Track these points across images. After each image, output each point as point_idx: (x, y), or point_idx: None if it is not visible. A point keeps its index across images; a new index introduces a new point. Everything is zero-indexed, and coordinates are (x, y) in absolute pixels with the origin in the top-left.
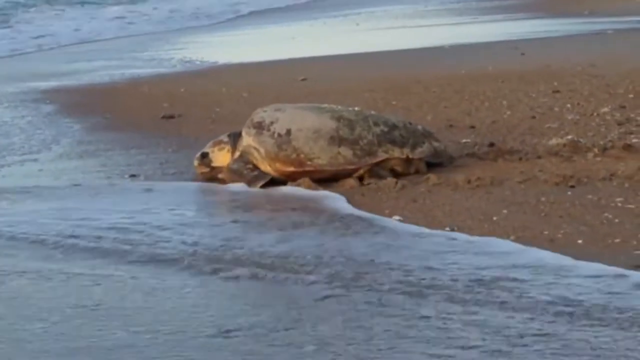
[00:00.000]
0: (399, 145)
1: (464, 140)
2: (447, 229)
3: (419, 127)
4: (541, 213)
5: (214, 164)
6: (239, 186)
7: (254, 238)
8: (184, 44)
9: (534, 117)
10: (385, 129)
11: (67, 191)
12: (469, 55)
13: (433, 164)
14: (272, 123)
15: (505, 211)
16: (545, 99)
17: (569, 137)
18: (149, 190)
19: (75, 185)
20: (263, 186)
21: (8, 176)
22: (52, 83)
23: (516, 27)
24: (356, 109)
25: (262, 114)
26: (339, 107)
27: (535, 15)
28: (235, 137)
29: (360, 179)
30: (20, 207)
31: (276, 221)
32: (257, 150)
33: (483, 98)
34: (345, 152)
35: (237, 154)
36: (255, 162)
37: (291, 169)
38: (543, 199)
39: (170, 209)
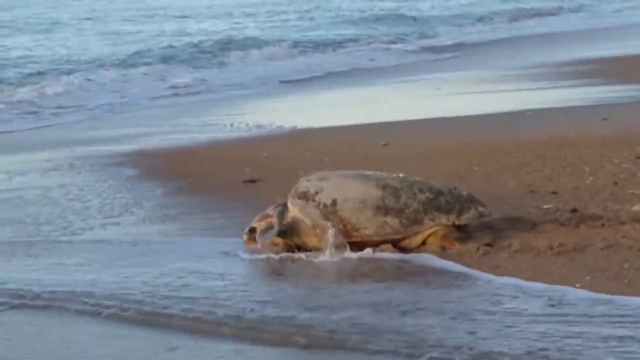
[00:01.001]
0: (445, 212)
1: (545, 206)
2: None
3: (464, 192)
4: (624, 279)
5: None
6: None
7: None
8: (250, 108)
9: (616, 183)
10: (431, 196)
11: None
12: (550, 120)
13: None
14: (316, 193)
15: (588, 278)
16: (627, 165)
17: None
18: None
19: None
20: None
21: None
22: (131, 146)
23: (596, 93)
24: (400, 175)
25: (306, 184)
26: (384, 174)
27: (615, 81)
28: (282, 210)
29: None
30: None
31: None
32: (303, 221)
33: (565, 164)
34: (392, 221)
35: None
36: (301, 233)
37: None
38: (626, 265)
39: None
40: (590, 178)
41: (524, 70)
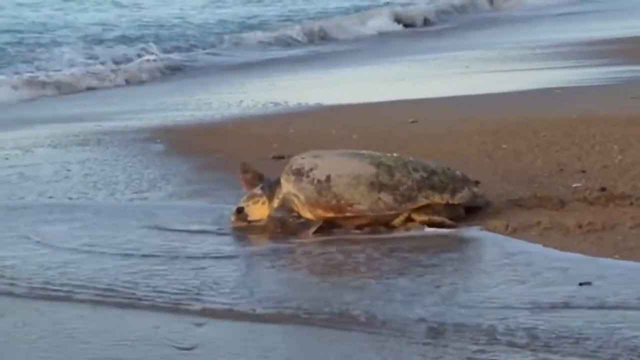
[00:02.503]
0: (439, 190)
1: (574, 185)
2: None
3: (458, 172)
4: None
5: (250, 218)
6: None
7: None
8: (265, 86)
9: None
10: (425, 175)
11: None
12: (578, 98)
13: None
14: (311, 169)
15: (617, 256)
16: None
17: None
18: None
19: None
20: (314, 233)
21: None
22: (157, 122)
23: (624, 72)
24: (394, 154)
25: (300, 161)
26: (378, 153)
27: None
28: (271, 187)
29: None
30: None
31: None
32: (297, 196)
33: (593, 142)
34: (386, 197)
35: (277, 202)
36: (295, 209)
37: (331, 214)
38: None
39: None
40: (619, 157)
41: (555, 49)
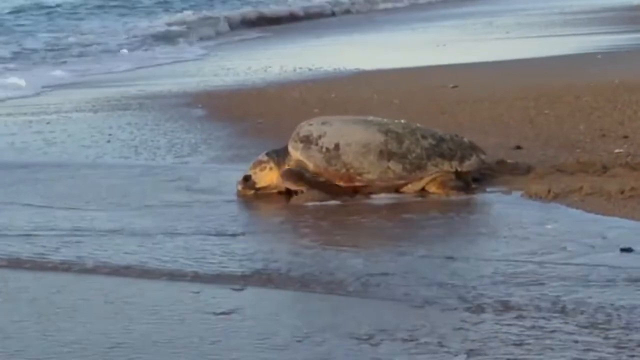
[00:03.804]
0: (448, 158)
1: (617, 150)
2: None
3: (465, 139)
4: None
5: (258, 185)
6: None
7: None
8: (297, 51)
9: None
10: (433, 142)
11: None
12: (620, 64)
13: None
14: (319, 137)
15: None
16: None
17: None
18: None
19: None
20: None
21: None
22: (201, 86)
23: None
24: (402, 121)
25: (308, 127)
26: (385, 119)
27: None
28: (278, 153)
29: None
30: None
31: None
32: (306, 164)
33: (636, 107)
34: (395, 166)
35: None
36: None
37: (340, 183)
38: None
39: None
40: None
41: (597, 14)
